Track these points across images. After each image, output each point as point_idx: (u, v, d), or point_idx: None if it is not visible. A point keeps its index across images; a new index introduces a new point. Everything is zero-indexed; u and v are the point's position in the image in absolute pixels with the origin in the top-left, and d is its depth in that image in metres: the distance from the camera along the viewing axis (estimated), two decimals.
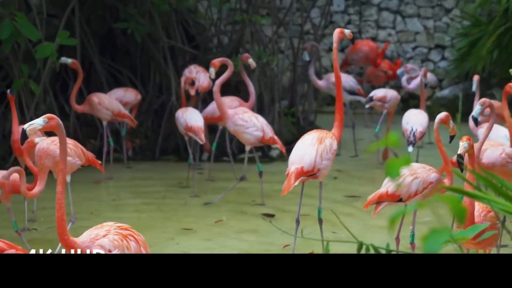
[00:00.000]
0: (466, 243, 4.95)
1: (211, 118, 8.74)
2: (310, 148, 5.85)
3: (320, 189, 6.01)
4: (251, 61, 8.51)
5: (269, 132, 7.61)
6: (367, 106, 9.49)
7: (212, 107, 8.72)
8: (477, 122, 5.93)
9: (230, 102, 8.65)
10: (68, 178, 6.25)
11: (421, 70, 10.01)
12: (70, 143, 6.23)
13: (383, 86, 12.28)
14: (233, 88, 10.44)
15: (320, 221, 6.02)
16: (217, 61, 7.84)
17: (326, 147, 5.88)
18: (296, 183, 5.77)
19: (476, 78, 8.55)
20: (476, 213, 4.94)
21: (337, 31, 6.03)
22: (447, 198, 2.10)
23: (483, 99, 5.94)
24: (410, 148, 8.07)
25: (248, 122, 7.53)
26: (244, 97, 10.15)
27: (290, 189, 5.73)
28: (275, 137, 7.66)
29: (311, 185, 8.56)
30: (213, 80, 7.95)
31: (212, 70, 7.73)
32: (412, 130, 8.11)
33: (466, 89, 11.91)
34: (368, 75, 11.74)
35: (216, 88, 7.54)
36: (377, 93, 9.42)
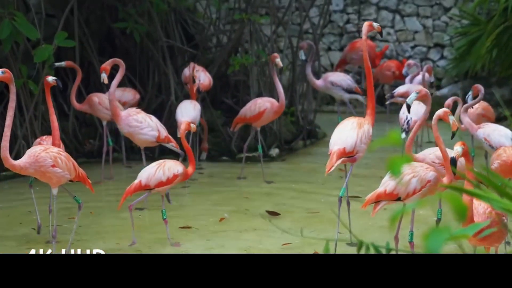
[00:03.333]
0: (472, 241, 4.96)
1: (244, 119, 8.73)
2: (352, 132, 6.26)
3: (350, 171, 6.42)
4: (278, 61, 8.51)
5: (163, 131, 7.62)
6: (387, 102, 9.51)
7: (244, 109, 8.75)
8: (409, 109, 6.06)
9: (262, 103, 8.64)
10: (55, 191, 6.08)
11: (422, 67, 10.02)
12: (63, 155, 6.07)
13: (383, 86, 12.28)
14: (233, 87, 10.44)
15: (340, 199, 6.39)
16: (107, 65, 7.60)
17: (365, 132, 6.31)
18: (338, 162, 6.17)
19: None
20: (481, 210, 4.94)
21: (366, 24, 6.48)
22: (448, 195, 2.10)
23: (420, 88, 6.08)
24: (403, 135, 8.15)
25: (143, 123, 7.50)
26: (244, 97, 10.16)
27: (332, 168, 6.13)
28: (170, 136, 7.69)
29: (315, 184, 8.58)
30: (107, 85, 7.78)
31: (104, 75, 7.49)
32: (406, 118, 8.25)
33: (465, 88, 11.90)
34: (376, 74, 11.70)
35: (112, 90, 7.46)
36: (400, 89, 9.46)
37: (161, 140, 7.61)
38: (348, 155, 6.23)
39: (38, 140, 7.05)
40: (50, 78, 6.72)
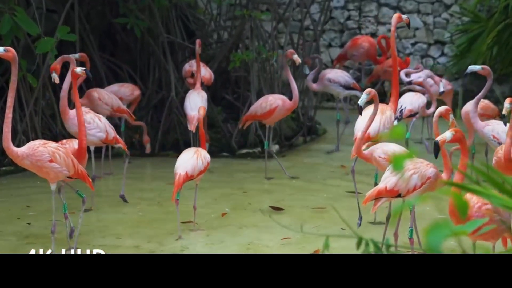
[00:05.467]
0: (469, 235, 4.96)
1: (254, 116, 8.71)
2: (375, 118, 6.62)
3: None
4: (296, 57, 8.49)
5: (112, 132, 7.53)
6: (404, 88, 9.57)
7: (254, 106, 8.71)
8: (361, 111, 6.31)
9: (274, 100, 8.60)
10: (53, 187, 6.01)
11: (422, 64, 9.97)
12: (62, 151, 6.00)
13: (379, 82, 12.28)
14: (233, 83, 10.43)
15: (353, 169, 7.03)
16: (56, 64, 7.36)
17: (387, 118, 6.87)
18: (364, 147, 6.56)
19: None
20: (471, 204, 4.93)
21: (395, 16, 7.02)
22: (450, 192, 2.10)
23: (368, 89, 6.18)
24: (395, 123, 8.19)
25: (92, 124, 7.38)
26: (245, 94, 10.16)
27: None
28: (118, 137, 7.63)
29: (315, 180, 8.59)
30: (58, 85, 7.70)
31: (54, 75, 7.26)
32: (401, 107, 8.35)
33: (465, 85, 11.89)
34: (377, 71, 11.67)
35: (65, 86, 7.28)
36: (417, 78, 9.42)
37: (109, 141, 7.50)
38: (373, 140, 6.68)
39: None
40: (79, 69, 6.56)
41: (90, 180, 6.29)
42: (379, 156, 6.30)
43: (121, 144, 7.62)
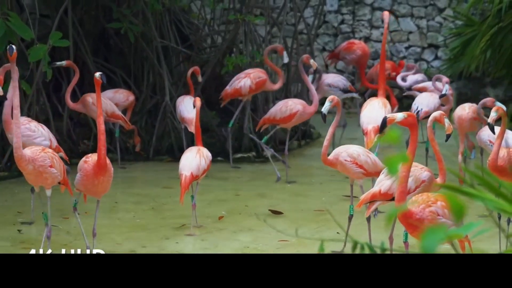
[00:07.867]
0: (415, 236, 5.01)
1: (273, 120, 8.71)
2: (381, 111, 7.27)
3: (377, 148, 7.60)
4: (313, 62, 8.52)
5: (54, 141, 7.46)
6: (404, 94, 9.69)
7: (274, 109, 8.72)
8: (325, 118, 6.48)
9: (294, 105, 8.60)
10: (49, 192, 6.03)
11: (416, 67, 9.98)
12: (57, 157, 6.09)
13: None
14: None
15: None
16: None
17: (389, 111, 7.42)
18: (376, 138, 7.10)
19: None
20: (416, 204, 4.93)
21: (386, 13, 8.22)
22: (445, 195, 2.10)
23: (331, 96, 6.29)
24: None
25: (36, 132, 7.29)
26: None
27: (372, 144, 7.15)
28: (59, 146, 7.54)
29: (310, 184, 8.60)
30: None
31: None
32: (417, 109, 8.33)
33: (459, 88, 11.92)
34: (371, 74, 11.65)
35: (10, 95, 6.99)
36: (417, 85, 9.43)
37: (52, 150, 7.42)
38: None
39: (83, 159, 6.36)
40: (97, 74, 6.33)
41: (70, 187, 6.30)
42: (345, 159, 6.33)
43: (63, 154, 7.45)
